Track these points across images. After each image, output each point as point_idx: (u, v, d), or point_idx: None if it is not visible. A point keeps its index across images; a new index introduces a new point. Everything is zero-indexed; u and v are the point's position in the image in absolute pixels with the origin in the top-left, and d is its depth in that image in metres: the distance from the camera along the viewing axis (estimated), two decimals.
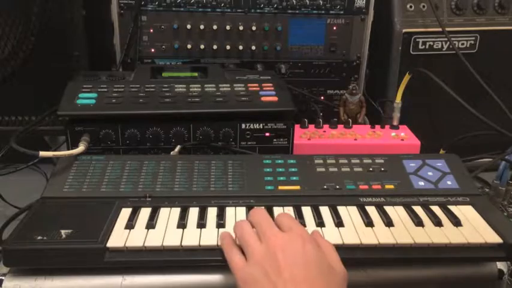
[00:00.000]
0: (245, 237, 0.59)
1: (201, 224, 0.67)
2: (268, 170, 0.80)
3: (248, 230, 0.59)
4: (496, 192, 0.95)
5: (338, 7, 1.12)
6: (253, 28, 1.11)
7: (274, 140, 0.90)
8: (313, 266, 0.53)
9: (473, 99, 0.97)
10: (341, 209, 0.72)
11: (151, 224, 0.67)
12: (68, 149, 0.84)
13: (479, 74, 1.04)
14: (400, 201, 0.75)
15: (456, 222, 0.70)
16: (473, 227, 0.69)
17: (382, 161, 0.83)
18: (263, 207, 0.70)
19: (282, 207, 0.72)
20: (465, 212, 0.73)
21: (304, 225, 0.68)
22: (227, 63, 1.14)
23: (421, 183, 0.79)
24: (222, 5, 1.09)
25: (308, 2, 1.10)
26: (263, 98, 0.90)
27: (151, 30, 1.10)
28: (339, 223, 0.69)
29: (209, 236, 0.65)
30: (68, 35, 0.99)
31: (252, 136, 0.89)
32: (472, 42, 1.15)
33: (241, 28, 1.10)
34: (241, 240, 0.59)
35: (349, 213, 0.71)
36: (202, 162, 0.80)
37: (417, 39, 1.13)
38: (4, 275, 0.62)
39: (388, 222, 0.69)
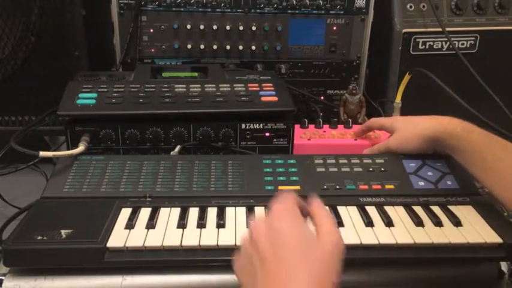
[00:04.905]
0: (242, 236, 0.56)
1: (201, 224, 0.67)
2: (268, 170, 0.80)
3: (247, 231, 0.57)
4: None
5: (338, 7, 1.12)
6: (253, 28, 1.11)
7: (274, 140, 0.90)
8: (292, 251, 0.50)
9: (473, 99, 0.97)
10: (341, 209, 0.72)
11: (151, 224, 0.67)
12: (68, 149, 0.84)
13: (479, 74, 1.04)
14: (400, 201, 0.75)
15: (456, 222, 0.70)
16: (473, 227, 0.69)
17: (382, 161, 0.83)
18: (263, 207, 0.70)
19: None
20: (465, 212, 0.73)
21: None
22: (227, 63, 1.14)
23: (421, 183, 0.79)
24: (222, 5, 1.09)
25: (308, 2, 1.10)
26: (263, 98, 0.90)
27: (151, 30, 1.10)
28: (339, 223, 0.69)
29: (209, 236, 0.65)
30: (68, 35, 0.99)
31: (252, 136, 0.89)
32: (472, 42, 1.15)
33: (241, 28, 1.10)
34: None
35: (349, 213, 0.71)
36: (202, 162, 0.80)
37: (417, 39, 1.13)
38: (4, 275, 0.62)
39: (388, 222, 0.69)
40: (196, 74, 1.03)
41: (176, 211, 0.71)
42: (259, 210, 0.71)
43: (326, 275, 0.49)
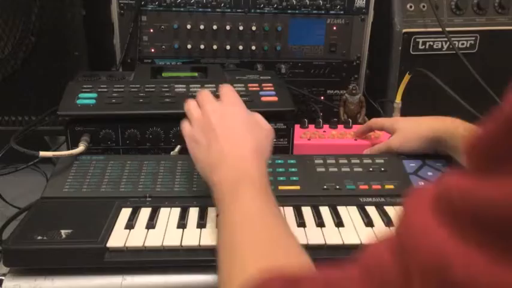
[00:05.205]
0: (189, 108, 0.70)
1: (201, 224, 0.67)
2: (268, 170, 0.79)
3: (192, 104, 0.71)
4: None
5: (338, 7, 1.12)
6: (253, 28, 1.11)
7: (274, 140, 0.90)
8: (240, 123, 0.66)
9: (473, 99, 0.97)
10: (341, 209, 0.72)
11: (151, 224, 0.67)
12: (68, 149, 0.84)
13: (479, 74, 1.04)
14: (400, 201, 0.75)
15: None
16: None
17: (382, 161, 0.83)
18: None
19: (281, 207, 0.72)
20: None
21: (304, 225, 0.68)
22: (227, 63, 1.14)
23: (421, 183, 0.79)
24: (222, 5, 1.09)
25: (308, 2, 1.10)
26: (263, 98, 0.90)
27: (151, 30, 1.10)
28: (339, 223, 0.69)
29: (209, 236, 0.65)
30: (68, 35, 0.99)
31: None
32: (472, 42, 1.15)
33: (241, 28, 1.10)
34: (187, 112, 0.71)
35: (349, 213, 0.71)
36: None
37: (417, 39, 1.13)
38: (4, 275, 0.62)
39: (388, 222, 0.69)
40: (196, 74, 1.03)
41: (176, 211, 0.71)
42: None
43: (264, 147, 0.66)
